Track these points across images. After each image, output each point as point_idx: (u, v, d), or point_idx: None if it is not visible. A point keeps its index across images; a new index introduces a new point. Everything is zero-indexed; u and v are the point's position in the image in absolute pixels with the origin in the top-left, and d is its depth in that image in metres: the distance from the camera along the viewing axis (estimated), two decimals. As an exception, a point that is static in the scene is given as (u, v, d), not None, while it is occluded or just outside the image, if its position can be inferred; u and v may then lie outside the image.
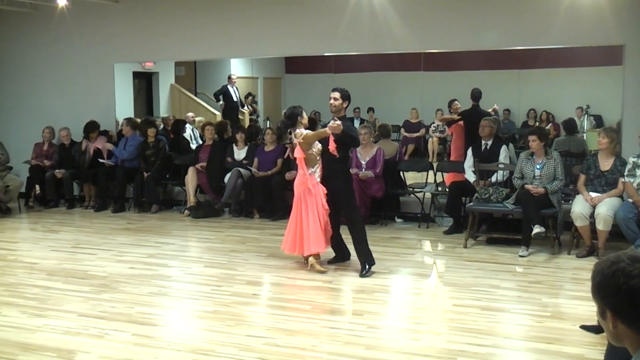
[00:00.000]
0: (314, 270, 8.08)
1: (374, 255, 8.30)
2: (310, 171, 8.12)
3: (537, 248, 9.11)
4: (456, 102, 13.42)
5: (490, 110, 12.91)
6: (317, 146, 8.19)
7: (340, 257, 8.57)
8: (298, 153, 8.14)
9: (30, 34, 13.68)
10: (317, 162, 8.19)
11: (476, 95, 12.22)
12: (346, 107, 8.27)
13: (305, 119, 8.39)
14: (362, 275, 7.92)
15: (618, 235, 8.52)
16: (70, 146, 13.15)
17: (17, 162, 13.10)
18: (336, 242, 8.50)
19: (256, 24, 12.00)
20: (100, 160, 12.80)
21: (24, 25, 13.68)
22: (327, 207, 8.16)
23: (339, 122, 7.82)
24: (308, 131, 8.24)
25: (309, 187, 8.08)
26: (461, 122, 12.22)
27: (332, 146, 7.92)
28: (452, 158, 12.55)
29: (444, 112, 14.32)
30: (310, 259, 8.15)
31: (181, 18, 12.54)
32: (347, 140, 7.97)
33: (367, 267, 8.02)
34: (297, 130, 8.21)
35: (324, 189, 8.18)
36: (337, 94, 8.20)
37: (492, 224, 10.07)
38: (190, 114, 15.02)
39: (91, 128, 13.01)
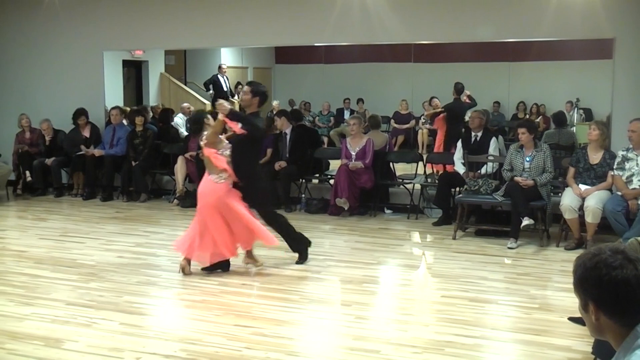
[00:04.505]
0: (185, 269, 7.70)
1: (364, 245, 8.38)
2: (223, 176, 7.61)
3: (525, 240, 9.13)
4: (435, 99, 13.76)
5: (464, 98, 13.16)
6: (229, 149, 7.71)
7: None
8: (207, 152, 7.65)
9: (18, 21, 13.57)
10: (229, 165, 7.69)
11: (459, 89, 12.77)
12: (259, 104, 7.89)
13: (211, 121, 7.84)
14: (298, 262, 8.08)
15: (606, 228, 8.53)
16: (54, 136, 13.06)
17: (5, 151, 13.06)
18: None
19: (247, 14, 11.95)
20: (88, 151, 12.69)
21: (12, 13, 13.58)
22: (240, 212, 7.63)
23: (224, 102, 7.63)
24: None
25: (222, 195, 7.56)
26: (443, 115, 12.57)
27: (235, 127, 7.55)
28: (436, 150, 13.00)
29: (439, 102, 14.36)
30: (246, 258, 7.89)
31: (172, 6, 12.48)
32: (243, 123, 7.56)
33: (302, 255, 8.15)
34: (204, 133, 7.81)
35: (238, 192, 7.72)
36: (247, 89, 7.99)
37: (481, 216, 10.08)
38: (185, 105, 14.97)
39: (78, 114, 12.91)
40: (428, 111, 14.24)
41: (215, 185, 7.58)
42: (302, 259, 8.11)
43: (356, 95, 18.03)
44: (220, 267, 7.74)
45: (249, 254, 7.90)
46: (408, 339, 5.69)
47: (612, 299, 2.37)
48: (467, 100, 13.36)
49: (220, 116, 7.50)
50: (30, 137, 13.14)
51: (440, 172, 11.41)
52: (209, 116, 8.04)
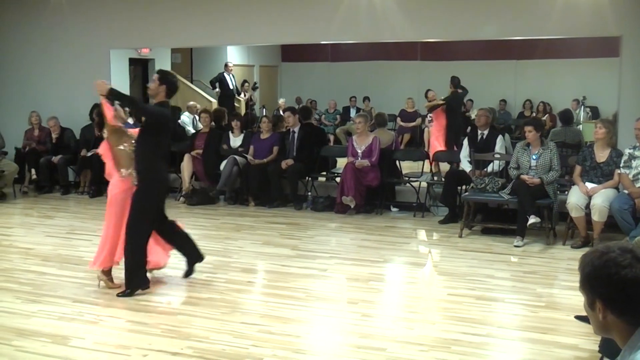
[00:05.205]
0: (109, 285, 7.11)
1: (370, 243, 8.37)
2: (124, 172, 7.01)
3: (532, 238, 9.11)
4: (431, 91, 14.02)
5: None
6: (131, 140, 7.00)
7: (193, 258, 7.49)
8: (102, 149, 7.13)
9: (25, 19, 13.61)
10: (132, 161, 6.97)
11: (456, 82, 13.44)
12: (167, 93, 6.97)
13: (121, 112, 7.13)
14: (119, 294, 6.83)
15: (613, 227, 8.52)
16: (61, 134, 13.08)
17: (12, 148, 13.08)
18: (179, 244, 7.45)
19: (253, 12, 11.96)
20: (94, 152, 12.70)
21: (20, 11, 13.62)
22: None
23: (102, 81, 6.67)
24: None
25: (120, 192, 7.01)
26: (442, 108, 13.42)
27: (109, 112, 6.86)
28: (433, 141, 13.61)
29: (436, 93, 14.46)
30: (100, 274, 7.10)
31: (178, 4, 12.49)
32: (128, 105, 7.00)
33: (127, 290, 6.86)
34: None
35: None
36: (155, 76, 7.02)
37: (488, 214, 10.07)
38: (191, 103, 15.05)
39: (95, 108, 12.95)
40: (427, 104, 14.35)
41: (117, 182, 7.06)
42: (126, 293, 6.85)
43: (362, 93, 18.07)
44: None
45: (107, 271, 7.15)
46: (414, 336, 5.69)
47: (621, 297, 2.37)
48: (459, 90, 13.68)
49: (100, 98, 6.71)
50: (39, 135, 13.16)
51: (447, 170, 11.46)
52: (118, 107, 7.06)
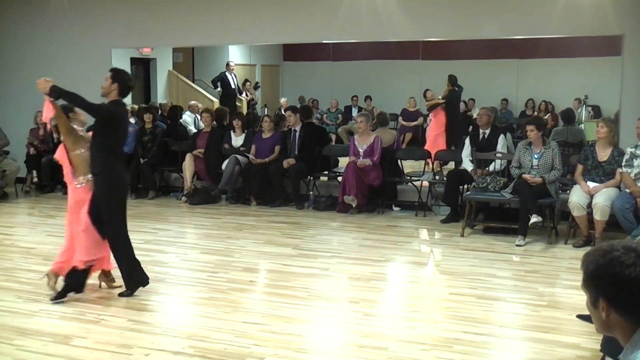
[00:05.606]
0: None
1: (372, 243, 8.36)
2: (81, 179, 6.82)
3: (534, 237, 9.10)
4: (429, 91, 14.26)
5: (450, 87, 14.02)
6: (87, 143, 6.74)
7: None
8: (58, 153, 6.97)
9: (27, 19, 13.60)
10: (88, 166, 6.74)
11: (454, 81, 13.67)
12: (119, 92, 6.69)
13: (79, 115, 6.99)
14: (121, 294, 6.84)
15: (615, 226, 8.51)
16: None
17: (14, 147, 13.07)
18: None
19: (255, 11, 11.94)
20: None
21: (21, 11, 13.61)
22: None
23: (45, 78, 6.55)
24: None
25: (77, 200, 6.81)
26: (442, 106, 13.72)
27: (48, 111, 6.62)
28: (430, 139, 13.93)
29: (434, 93, 14.47)
30: (101, 275, 7.12)
31: (180, 3, 12.48)
32: (72, 101, 6.55)
33: (127, 290, 6.85)
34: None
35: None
36: (107, 74, 6.80)
37: (489, 213, 10.06)
38: (193, 102, 15.04)
39: None
40: (427, 103, 14.40)
41: (72, 191, 6.91)
42: (127, 293, 6.85)
43: (364, 93, 18.04)
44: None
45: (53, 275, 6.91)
46: (416, 336, 5.69)
47: (625, 296, 2.37)
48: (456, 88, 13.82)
49: (45, 97, 6.46)
50: (43, 134, 13.16)
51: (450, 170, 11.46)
52: (77, 110, 6.91)
